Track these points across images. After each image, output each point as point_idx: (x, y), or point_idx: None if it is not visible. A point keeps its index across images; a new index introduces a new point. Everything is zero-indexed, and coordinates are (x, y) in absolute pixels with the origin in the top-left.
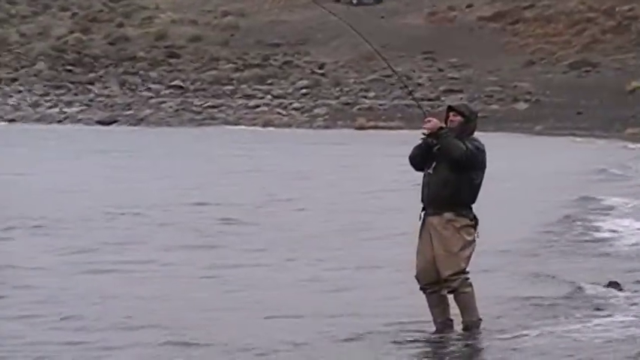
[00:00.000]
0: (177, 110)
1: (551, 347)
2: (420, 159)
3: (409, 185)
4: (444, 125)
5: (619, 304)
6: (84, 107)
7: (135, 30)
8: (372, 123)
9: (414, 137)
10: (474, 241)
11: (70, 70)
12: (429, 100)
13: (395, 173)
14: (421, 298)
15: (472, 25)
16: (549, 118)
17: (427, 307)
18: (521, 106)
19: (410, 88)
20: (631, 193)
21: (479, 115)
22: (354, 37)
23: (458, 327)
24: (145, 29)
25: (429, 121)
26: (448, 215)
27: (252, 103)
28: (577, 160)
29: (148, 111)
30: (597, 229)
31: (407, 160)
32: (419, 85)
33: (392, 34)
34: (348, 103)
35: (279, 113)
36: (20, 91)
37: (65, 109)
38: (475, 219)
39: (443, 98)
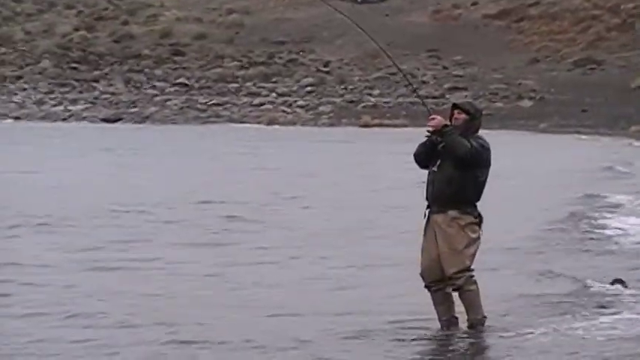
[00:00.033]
0: (182, 108)
1: (557, 345)
2: (424, 157)
3: (414, 183)
4: (448, 123)
5: (625, 302)
6: (89, 105)
7: (140, 28)
8: (376, 121)
9: (419, 135)
10: (478, 238)
11: (74, 68)
12: (434, 97)
13: (400, 171)
14: (426, 296)
15: (477, 23)
16: (554, 116)
17: (432, 304)
18: (526, 103)
19: (414, 86)
20: (636, 191)
21: (483, 112)
22: (358, 35)
23: (463, 325)
24: (150, 27)
25: (434, 118)
26: (453, 213)
27: (256, 100)
28: (582, 157)
29: (152, 109)
30: (603, 227)
31: (412, 158)
32: (423, 82)
33: (396, 32)
34: (352, 101)
35: (283, 111)
36: (25, 89)
37: (70, 107)
38: (480, 216)
39: (447, 96)
